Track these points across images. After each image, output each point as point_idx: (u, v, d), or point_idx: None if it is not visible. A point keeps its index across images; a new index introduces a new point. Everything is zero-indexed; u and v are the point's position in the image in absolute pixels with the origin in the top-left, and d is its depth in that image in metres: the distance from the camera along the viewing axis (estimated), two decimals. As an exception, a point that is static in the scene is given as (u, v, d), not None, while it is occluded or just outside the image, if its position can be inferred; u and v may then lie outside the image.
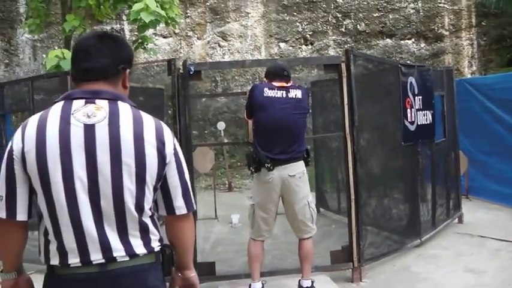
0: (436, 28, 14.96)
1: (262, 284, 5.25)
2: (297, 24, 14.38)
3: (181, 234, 2.32)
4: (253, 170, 5.05)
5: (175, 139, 2.24)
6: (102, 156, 2.04)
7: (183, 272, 2.40)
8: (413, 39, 14.89)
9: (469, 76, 14.65)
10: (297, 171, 4.92)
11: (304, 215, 5.09)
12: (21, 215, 2.10)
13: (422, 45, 14.93)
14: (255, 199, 5.18)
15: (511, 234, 7.21)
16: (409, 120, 6.75)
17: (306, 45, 14.46)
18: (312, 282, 5.24)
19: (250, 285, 5.21)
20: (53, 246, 2.09)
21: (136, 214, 2.11)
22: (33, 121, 2.09)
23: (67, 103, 2.11)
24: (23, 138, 2.06)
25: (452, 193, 8.14)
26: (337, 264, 5.90)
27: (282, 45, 14.26)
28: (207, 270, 5.59)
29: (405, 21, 14.78)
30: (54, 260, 2.10)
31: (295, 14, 14.32)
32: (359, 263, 5.81)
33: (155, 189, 2.17)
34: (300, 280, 5.29)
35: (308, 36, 14.44)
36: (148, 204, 2.15)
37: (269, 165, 4.85)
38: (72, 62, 2.25)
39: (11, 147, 2.07)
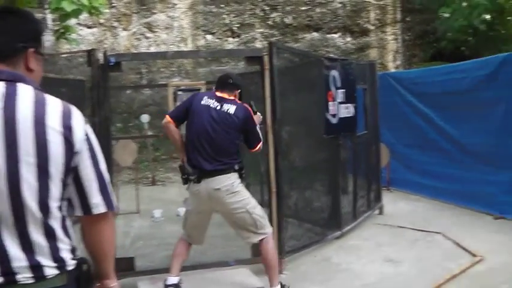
0: (362, 23, 15.20)
1: (179, 280, 5.10)
2: (224, 16, 14.32)
3: (100, 238, 2.01)
4: (183, 182, 4.91)
5: (88, 126, 1.92)
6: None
7: (102, 282, 2.09)
8: (339, 33, 15.08)
9: (393, 70, 14.96)
10: (223, 184, 4.71)
11: (244, 222, 4.87)
12: None
13: (348, 39, 15.14)
14: (188, 206, 5.16)
15: (429, 224, 7.42)
16: (331, 113, 6.82)
17: (233, 37, 14.42)
18: None
19: (166, 279, 5.07)
20: None
21: (39, 215, 1.78)
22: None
23: None
24: None
25: (373, 185, 8.31)
26: (258, 257, 5.88)
27: (209, 37, 14.17)
28: (125, 266, 5.47)
29: (332, 15, 14.95)
30: None
31: (222, 6, 14.25)
32: (280, 255, 5.82)
33: (64, 183, 1.84)
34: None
35: (235, 28, 14.41)
36: (55, 202, 1.82)
37: (194, 177, 4.75)
38: None
39: None
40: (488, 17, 13.53)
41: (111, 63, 5.53)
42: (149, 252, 6.64)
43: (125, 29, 13.95)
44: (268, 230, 4.98)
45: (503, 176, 7.99)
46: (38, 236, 1.79)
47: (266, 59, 5.77)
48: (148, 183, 12.16)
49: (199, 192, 4.79)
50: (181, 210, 8.48)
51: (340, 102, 7.04)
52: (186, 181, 4.85)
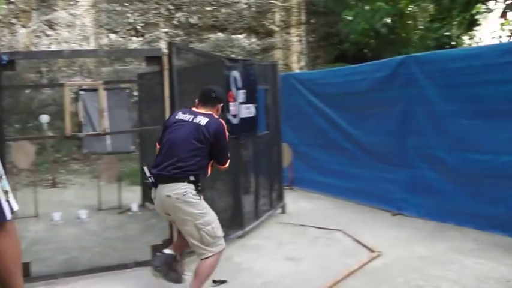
0: (267, 24, 15.34)
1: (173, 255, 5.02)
2: (128, 15, 14.10)
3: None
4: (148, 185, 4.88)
5: None
6: None
7: None
8: (244, 34, 15.15)
9: (297, 71, 15.15)
10: (175, 191, 4.60)
11: (192, 236, 4.73)
12: None
13: (254, 40, 15.24)
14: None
15: (330, 222, 7.54)
16: (231, 113, 6.80)
17: (137, 36, 14.23)
18: None
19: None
20: None
21: None
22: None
23: None
24: None
25: (275, 184, 8.36)
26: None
27: (112, 36, 13.92)
28: (20, 271, 5.26)
29: (237, 16, 15.00)
30: None
31: (126, 4, 14.03)
32: (181, 256, 5.77)
33: None
34: None
35: (139, 27, 14.22)
36: None
37: (149, 181, 4.77)
38: None
39: None
40: (389, 20, 13.94)
41: (4, 62, 5.30)
42: (46, 257, 6.41)
43: (24, 26, 13.49)
44: (216, 249, 4.83)
45: (401, 174, 8.24)
46: None
47: (165, 59, 5.69)
48: (48, 186, 11.76)
49: (155, 198, 4.80)
50: (82, 213, 8.29)
51: (241, 103, 7.03)
52: (150, 185, 4.81)
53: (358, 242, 6.78)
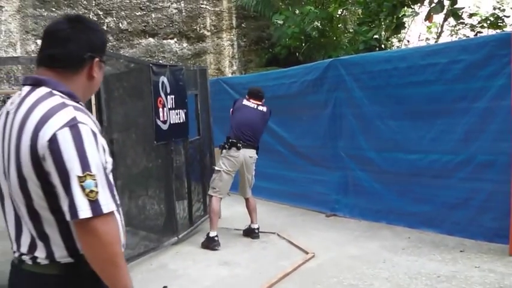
0: (198, 28, 15.25)
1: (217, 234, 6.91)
2: (56, 20, 13.79)
3: (82, 247, 1.86)
4: (227, 147, 7.08)
5: (66, 129, 1.76)
6: (5, 146, 1.88)
7: None
8: (175, 39, 15.01)
9: (230, 75, 15.16)
10: (253, 154, 7.22)
11: (250, 182, 7.38)
12: None
13: (185, 44, 15.13)
14: (223, 167, 7.10)
15: (264, 225, 7.56)
16: (161, 119, 6.72)
17: (65, 43, 13.94)
18: (259, 227, 7.41)
19: (208, 233, 6.92)
20: None
21: (27, 214, 1.87)
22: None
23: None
24: None
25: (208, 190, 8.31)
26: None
27: (39, 42, 13.55)
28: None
29: (168, 20, 14.86)
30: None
31: (53, 9, 13.69)
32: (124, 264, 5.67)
33: (45, 187, 1.79)
34: (249, 224, 7.43)
35: (67, 33, 13.92)
36: (39, 204, 1.83)
37: (240, 145, 7.04)
38: (41, 45, 2.01)
39: None
40: (319, 24, 14.10)
41: None
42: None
43: None
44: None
45: (333, 176, 8.36)
46: (32, 231, 1.88)
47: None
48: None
49: (239, 156, 7.09)
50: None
51: (171, 108, 6.97)
52: (223, 147, 7.15)
53: (293, 244, 6.84)
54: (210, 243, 6.86)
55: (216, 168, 7.27)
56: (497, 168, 6.16)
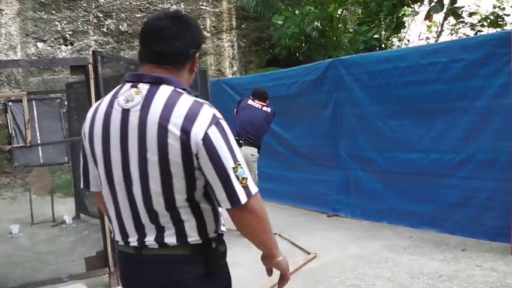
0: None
1: None
2: (56, 23, 13.77)
3: (240, 227, 2.11)
4: None
5: (213, 126, 1.95)
6: (132, 143, 1.99)
7: (265, 259, 2.32)
8: (175, 40, 15.03)
9: (230, 76, 15.17)
10: (254, 152, 7.46)
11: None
12: (93, 187, 2.30)
13: (188, 46, 15.14)
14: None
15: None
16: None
17: (66, 45, 13.92)
18: None
19: None
20: (109, 220, 2.21)
21: (164, 204, 2.01)
22: (95, 104, 2.18)
23: (120, 87, 2.11)
24: (85, 119, 2.17)
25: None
26: (92, 271, 5.71)
27: (40, 45, 13.57)
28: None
29: (168, 22, 14.86)
30: (112, 234, 2.23)
31: (53, 12, 13.71)
32: (115, 268, 5.67)
33: (191, 179, 1.99)
34: None
35: (68, 36, 13.92)
36: (181, 194, 2.00)
37: (241, 142, 7.24)
38: (141, 42, 2.16)
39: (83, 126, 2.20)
40: (319, 24, 14.10)
41: None
42: (4, 272, 6.26)
43: None
44: None
45: (335, 176, 8.36)
46: (163, 219, 2.02)
47: (91, 68, 5.59)
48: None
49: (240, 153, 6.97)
50: (14, 228, 8.08)
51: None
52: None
53: (295, 244, 6.83)
54: None
55: None
56: (498, 166, 6.16)
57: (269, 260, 2.31)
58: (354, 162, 7.99)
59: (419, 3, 13.41)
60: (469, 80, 6.42)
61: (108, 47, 13.90)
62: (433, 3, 11.44)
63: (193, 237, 2.07)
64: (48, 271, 6.13)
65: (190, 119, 1.93)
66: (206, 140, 1.93)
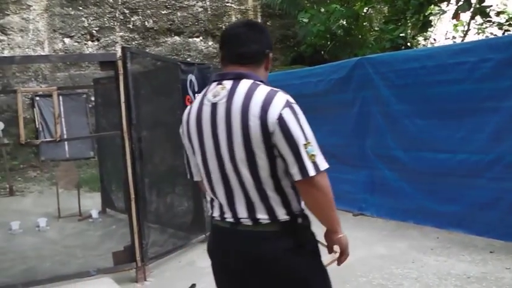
0: (224, 27, 15.23)
1: None
2: (83, 19, 13.91)
3: (307, 200, 2.35)
4: None
5: (286, 108, 2.24)
6: (220, 130, 2.31)
7: (329, 235, 2.50)
8: (201, 37, 15.10)
9: (254, 74, 15.15)
10: None
11: None
12: (196, 177, 2.63)
13: (210, 43, 15.20)
14: None
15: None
16: (189, 117, 6.74)
17: (92, 41, 14.04)
18: None
19: None
20: (208, 201, 2.58)
21: (252, 182, 2.30)
22: (189, 106, 2.54)
23: (208, 86, 2.45)
24: (182, 120, 2.55)
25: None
26: (120, 265, 5.76)
27: (67, 40, 13.70)
28: (-22, 283, 5.17)
29: (193, 19, 14.94)
30: (209, 211, 2.57)
31: (80, 8, 13.84)
32: (142, 262, 5.73)
33: (271, 157, 2.27)
34: None
35: (94, 32, 14.04)
36: (264, 172, 2.28)
37: None
38: (222, 46, 2.51)
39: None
40: (344, 22, 14.06)
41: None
42: (6, 267, 6.30)
43: (-26, 31, 13.18)
44: None
45: (360, 175, 8.32)
46: (254, 196, 2.32)
47: (120, 64, 5.63)
48: (5, 194, 11.52)
49: None
50: (41, 221, 8.16)
51: (199, 106, 6.98)
52: None
53: (320, 243, 6.80)
54: None
55: None
56: (528, 168, 6.09)
57: (332, 235, 2.50)
58: (380, 161, 7.94)
59: (446, 2, 13.29)
60: (497, 80, 6.33)
61: (133, 43, 13.99)
62: (460, 2, 11.34)
63: (281, 214, 2.33)
64: (76, 265, 6.18)
65: (267, 103, 2.23)
66: (281, 119, 2.21)
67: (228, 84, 2.35)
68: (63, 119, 12.45)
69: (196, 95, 6.93)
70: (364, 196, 8.30)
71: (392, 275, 5.51)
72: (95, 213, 8.80)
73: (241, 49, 2.43)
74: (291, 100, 2.31)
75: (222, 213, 2.44)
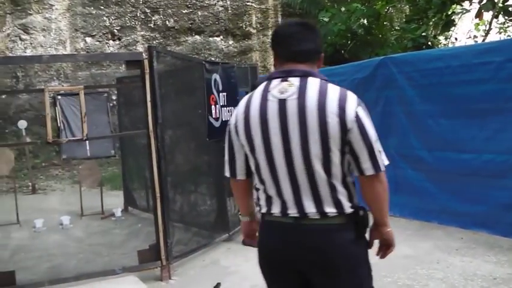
0: (244, 26, 15.32)
1: None
2: (104, 18, 13.99)
3: (371, 193, 2.46)
4: None
5: (359, 107, 2.37)
6: (292, 126, 2.36)
7: (378, 228, 2.59)
8: (221, 37, 15.12)
9: (275, 73, 15.15)
10: None
11: None
12: (240, 176, 2.66)
13: (231, 42, 15.21)
14: None
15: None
16: (213, 116, 6.76)
17: (114, 40, 14.12)
18: None
19: None
20: (262, 198, 2.56)
21: (325, 177, 2.38)
22: (243, 101, 2.58)
23: (268, 83, 2.50)
24: (235, 115, 2.57)
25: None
26: (145, 264, 5.78)
27: (89, 39, 13.79)
28: (6, 281, 5.20)
29: (214, 18, 14.96)
30: (263, 209, 2.57)
31: (102, 7, 13.92)
32: (167, 261, 5.75)
33: (342, 153, 2.36)
34: None
35: (116, 31, 14.12)
36: (336, 167, 2.38)
37: None
38: (278, 45, 2.59)
39: (229, 122, 2.63)
40: (365, 21, 14.01)
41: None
42: (31, 265, 6.35)
43: (-2, 30, 13.30)
44: None
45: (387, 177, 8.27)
46: (323, 191, 2.40)
47: (146, 62, 5.65)
48: (28, 192, 11.61)
49: None
50: (65, 219, 8.21)
51: (223, 106, 6.99)
52: None
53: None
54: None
55: None
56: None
57: (381, 229, 2.59)
58: (403, 161, 7.90)
59: (469, 1, 13.20)
60: (523, 80, 6.30)
61: (154, 42, 14.04)
62: (484, 1, 11.25)
63: (347, 207, 2.42)
64: (100, 263, 6.22)
65: (342, 101, 2.33)
66: (358, 117, 2.33)
67: (295, 81, 2.41)
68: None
69: (220, 94, 6.95)
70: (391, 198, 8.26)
71: (418, 275, 5.48)
72: (118, 212, 8.84)
73: (299, 47, 2.49)
74: (359, 98, 2.41)
75: (284, 209, 2.48)
